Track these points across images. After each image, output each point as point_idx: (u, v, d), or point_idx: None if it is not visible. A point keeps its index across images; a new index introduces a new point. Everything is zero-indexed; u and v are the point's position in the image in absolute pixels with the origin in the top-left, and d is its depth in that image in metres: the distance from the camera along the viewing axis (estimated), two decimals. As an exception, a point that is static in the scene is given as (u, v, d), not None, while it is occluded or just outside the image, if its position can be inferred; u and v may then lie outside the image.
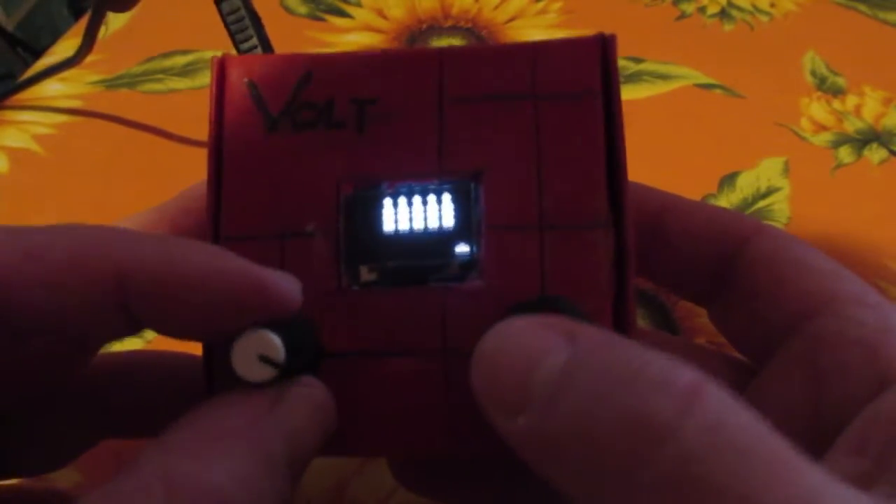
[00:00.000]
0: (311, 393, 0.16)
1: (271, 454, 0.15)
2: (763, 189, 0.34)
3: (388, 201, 0.18)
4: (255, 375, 0.15)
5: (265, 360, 0.15)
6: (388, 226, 0.18)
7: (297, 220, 0.18)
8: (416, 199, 0.18)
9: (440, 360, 0.17)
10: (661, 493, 0.12)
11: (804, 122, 0.38)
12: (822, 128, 0.37)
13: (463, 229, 0.18)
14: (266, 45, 0.34)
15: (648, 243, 0.20)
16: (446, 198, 0.18)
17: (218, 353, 0.17)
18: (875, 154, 0.36)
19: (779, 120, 0.37)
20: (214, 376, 0.18)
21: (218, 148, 0.19)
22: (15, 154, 0.35)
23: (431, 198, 0.18)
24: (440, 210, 0.18)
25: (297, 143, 0.18)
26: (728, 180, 0.35)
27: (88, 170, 0.34)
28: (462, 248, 0.18)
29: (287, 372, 0.15)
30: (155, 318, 0.15)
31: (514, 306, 0.16)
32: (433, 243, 0.18)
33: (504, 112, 0.18)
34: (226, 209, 0.18)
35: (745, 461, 0.12)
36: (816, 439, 0.15)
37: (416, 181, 0.18)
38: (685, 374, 0.13)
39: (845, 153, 0.36)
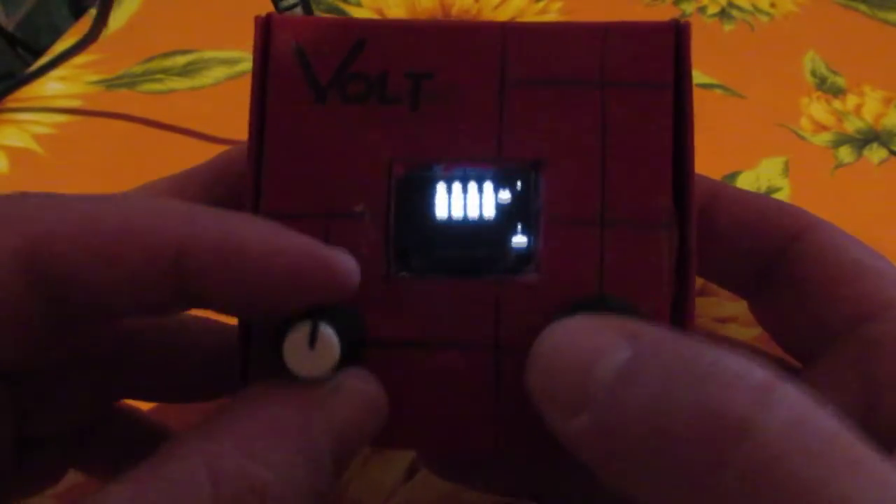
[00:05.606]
0: (364, 389, 0.16)
1: (319, 452, 0.14)
2: (763, 189, 0.34)
3: (441, 186, 0.17)
4: (307, 371, 0.15)
5: (319, 356, 0.15)
6: (441, 212, 0.17)
7: (343, 199, 0.17)
8: (472, 185, 0.17)
9: (491, 355, 0.17)
10: (742, 492, 0.11)
11: (804, 122, 0.38)
12: (822, 128, 0.37)
13: (521, 220, 0.17)
14: (307, 5, 0.33)
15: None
16: (505, 186, 0.17)
17: (256, 332, 0.17)
18: (875, 154, 0.36)
19: (779, 120, 0.37)
20: (251, 357, 0.17)
21: (261, 117, 0.17)
22: (15, 154, 0.35)
23: (488, 185, 0.17)
24: (498, 198, 0.17)
25: (346, 116, 0.17)
26: (728, 180, 0.34)
27: (88, 170, 0.34)
28: (519, 240, 0.17)
29: (339, 367, 0.15)
30: (210, 295, 0.15)
31: (572, 305, 0.16)
32: (489, 233, 0.17)
33: (569, 98, 0.17)
34: (267, 183, 0.17)
35: (831, 458, 0.11)
36: None
37: (472, 166, 0.17)
38: (758, 370, 0.12)
39: (845, 153, 0.36)
